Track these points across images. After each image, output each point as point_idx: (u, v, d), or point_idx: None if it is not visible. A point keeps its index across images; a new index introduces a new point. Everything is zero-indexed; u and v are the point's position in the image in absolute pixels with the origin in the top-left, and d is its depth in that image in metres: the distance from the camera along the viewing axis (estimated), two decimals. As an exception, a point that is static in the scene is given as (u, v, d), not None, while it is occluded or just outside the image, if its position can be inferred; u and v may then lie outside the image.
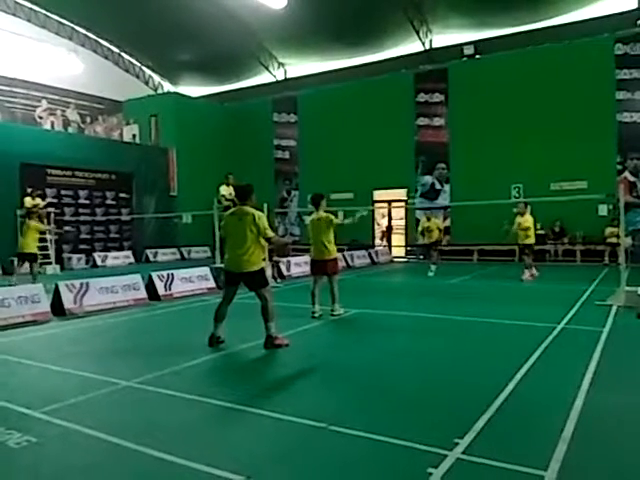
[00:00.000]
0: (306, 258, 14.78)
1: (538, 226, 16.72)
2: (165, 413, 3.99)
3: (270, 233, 5.90)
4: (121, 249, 20.13)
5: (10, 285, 8.74)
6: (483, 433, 3.40)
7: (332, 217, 7.82)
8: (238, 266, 5.85)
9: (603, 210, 16.18)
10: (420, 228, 14.93)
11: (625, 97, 16.41)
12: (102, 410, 4.05)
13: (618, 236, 11.78)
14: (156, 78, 28.35)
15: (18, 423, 3.72)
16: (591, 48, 16.73)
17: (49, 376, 5.06)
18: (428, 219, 14.81)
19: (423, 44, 20.54)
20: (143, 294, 9.55)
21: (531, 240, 12.18)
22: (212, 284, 11.06)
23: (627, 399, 4.01)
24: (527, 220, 12.08)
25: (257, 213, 5.87)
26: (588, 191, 15.56)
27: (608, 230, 15.31)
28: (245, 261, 5.80)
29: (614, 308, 7.93)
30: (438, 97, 19.65)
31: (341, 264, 16.10)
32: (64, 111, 19.95)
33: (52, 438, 3.50)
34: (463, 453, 3.10)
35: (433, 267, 14.03)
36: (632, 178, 16.27)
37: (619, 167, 16.47)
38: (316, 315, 7.73)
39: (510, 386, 4.33)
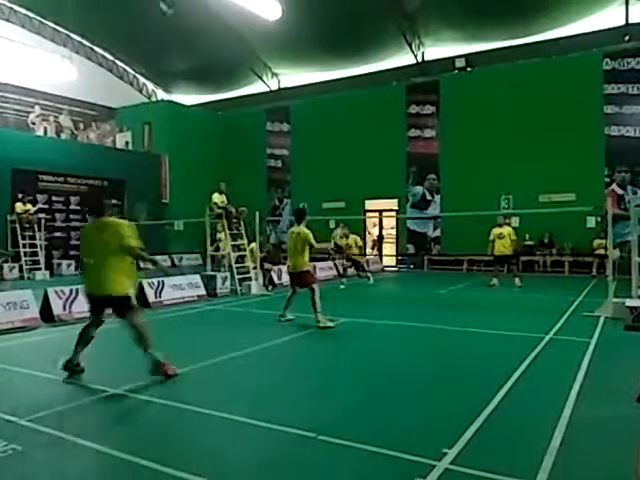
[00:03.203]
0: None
1: (527, 237, 17.01)
2: (153, 421, 3.98)
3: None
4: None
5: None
6: (471, 443, 3.42)
7: (309, 237, 7.90)
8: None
9: (591, 222, 16.44)
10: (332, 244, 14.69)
11: (613, 111, 16.66)
12: (89, 418, 4.02)
13: (606, 248, 11.91)
14: (150, 86, 28.34)
15: (3, 431, 3.68)
16: (580, 63, 16.99)
17: (36, 383, 5.02)
18: (347, 237, 14.07)
19: (415, 56, 20.73)
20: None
21: (508, 251, 12.99)
22: (203, 292, 11.04)
23: (614, 411, 4.04)
24: (502, 232, 12.93)
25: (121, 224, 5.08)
26: (577, 203, 15.73)
27: (596, 242, 15.48)
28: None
29: (602, 319, 8.01)
30: (429, 109, 19.84)
31: (332, 272, 16.18)
32: (57, 117, 19.88)
33: (38, 446, 3.47)
34: (451, 463, 3.12)
35: (345, 280, 13.83)
36: (620, 191, 16.47)
37: (607, 180, 16.67)
38: (282, 320, 7.99)
39: (498, 397, 4.36)
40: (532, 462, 3.11)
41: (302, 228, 8.01)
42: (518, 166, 17.65)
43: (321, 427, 3.68)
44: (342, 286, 13.50)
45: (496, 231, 13.12)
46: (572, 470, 3.09)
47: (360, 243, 14.61)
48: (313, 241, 7.92)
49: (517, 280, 12.86)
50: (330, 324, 7.61)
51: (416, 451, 3.28)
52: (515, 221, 17.06)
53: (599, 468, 3.14)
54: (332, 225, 19.55)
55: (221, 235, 17.26)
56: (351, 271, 14.47)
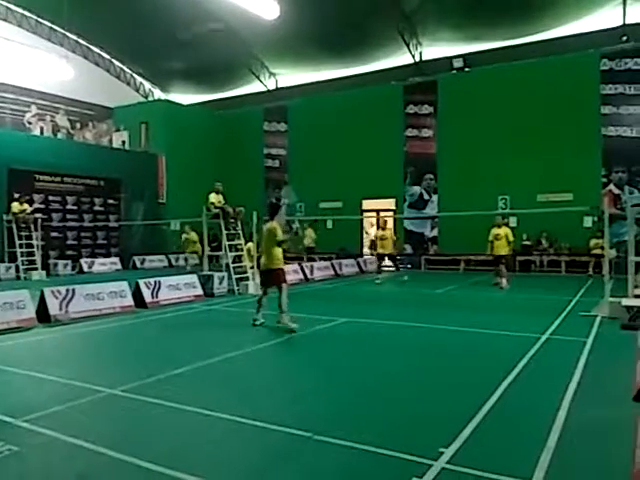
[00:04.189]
0: (294, 266, 14.79)
1: (524, 237, 17.08)
2: (149, 422, 3.97)
3: None
4: (108, 255, 19.98)
5: None
6: (468, 442, 3.42)
7: (277, 231, 7.61)
8: None
9: (588, 222, 16.49)
10: (373, 237, 15.37)
11: (610, 111, 16.71)
12: (86, 418, 4.01)
13: (603, 247, 11.95)
14: (147, 85, 28.29)
15: (0, 432, 3.67)
16: (577, 63, 17.04)
17: (32, 383, 5.00)
18: (383, 228, 14.96)
19: (413, 56, 20.75)
20: (130, 301, 9.49)
21: (505, 251, 12.98)
22: (199, 292, 11.01)
23: (610, 410, 4.06)
24: (500, 233, 12.96)
25: None
26: (574, 203, 15.78)
27: (593, 241, 15.51)
28: None
29: (598, 319, 8.02)
30: (427, 109, 19.86)
31: (329, 272, 16.17)
32: (54, 117, 19.81)
33: (34, 447, 3.46)
34: (448, 463, 3.12)
35: (380, 276, 14.64)
36: (617, 191, 16.53)
37: (604, 180, 16.73)
38: (257, 323, 7.72)
39: (495, 396, 4.36)
40: (529, 461, 3.12)
41: (273, 223, 7.72)
42: (515, 166, 17.69)
43: (317, 427, 3.68)
44: (377, 281, 14.33)
45: (494, 231, 13.13)
46: (569, 469, 3.10)
47: (394, 238, 15.30)
48: (279, 234, 7.58)
49: (500, 280, 12.86)
50: (293, 326, 7.30)
51: (413, 450, 3.28)
52: (512, 221, 17.12)
53: (596, 467, 3.15)
54: (330, 224, 19.61)
55: (190, 235, 17.38)
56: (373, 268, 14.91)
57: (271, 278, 7.73)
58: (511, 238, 13.09)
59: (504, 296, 11.44)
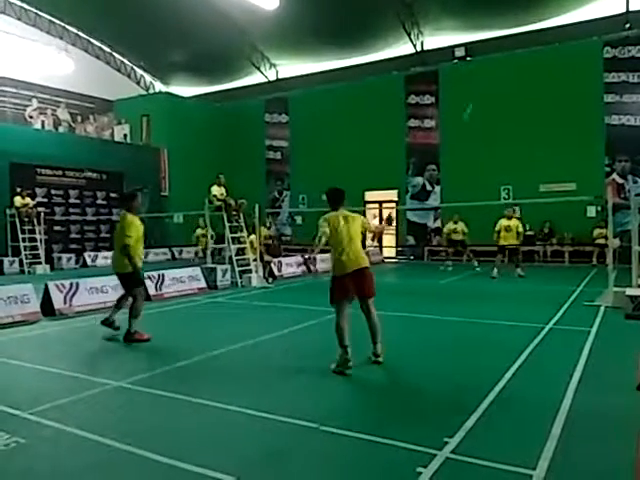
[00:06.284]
0: (297, 258, 14.72)
1: (527, 227, 17.02)
2: (156, 414, 3.99)
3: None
4: (112, 249, 19.95)
5: None
6: (472, 432, 3.43)
7: (367, 222, 5.64)
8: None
9: (591, 211, 16.42)
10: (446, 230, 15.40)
11: (614, 100, 16.57)
12: (93, 411, 4.03)
13: (606, 237, 11.90)
14: (148, 78, 28.19)
15: (6, 424, 3.70)
16: (580, 51, 16.88)
17: (38, 376, 5.03)
18: (455, 222, 15.13)
19: (414, 46, 20.60)
20: (133, 294, 9.49)
21: (517, 242, 12.97)
22: (203, 284, 11.05)
23: (614, 399, 4.06)
24: (510, 225, 12.91)
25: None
26: (577, 193, 15.69)
27: (596, 231, 15.45)
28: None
29: (602, 308, 8.02)
30: (429, 99, 19.73)
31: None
32: (55, 110, 19.78)
33: (41, 439, 3.48)
34: (452, 452, 3.14)
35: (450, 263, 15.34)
36: (620, 180, 16.43)
37: (607, 169, 16.62)
38: (350, 365, 4.82)
39: (499, 386, 4.37)
40: (533, 450, 3.13)
41: (353, 215, 5.56)
42: (518, 156, 17.59)
43: (323, 418, 3.70)
44: (449, 268, 15.03)
45: (504, 223, 12.97)
46: (573, 458, 3.11)
47: (466, 230, 15.18)
48: (370, 231, 5.66)
49: (519, 270, 12.83)
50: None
51: (417, 440, 3.29)
52: (516, 211, 17.07)
53: (600, 455, 3.16)
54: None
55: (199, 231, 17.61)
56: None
57: (365, 284, 5.14)
58: (521, 230, 13.02)
59: (507, 287, 11.42)
